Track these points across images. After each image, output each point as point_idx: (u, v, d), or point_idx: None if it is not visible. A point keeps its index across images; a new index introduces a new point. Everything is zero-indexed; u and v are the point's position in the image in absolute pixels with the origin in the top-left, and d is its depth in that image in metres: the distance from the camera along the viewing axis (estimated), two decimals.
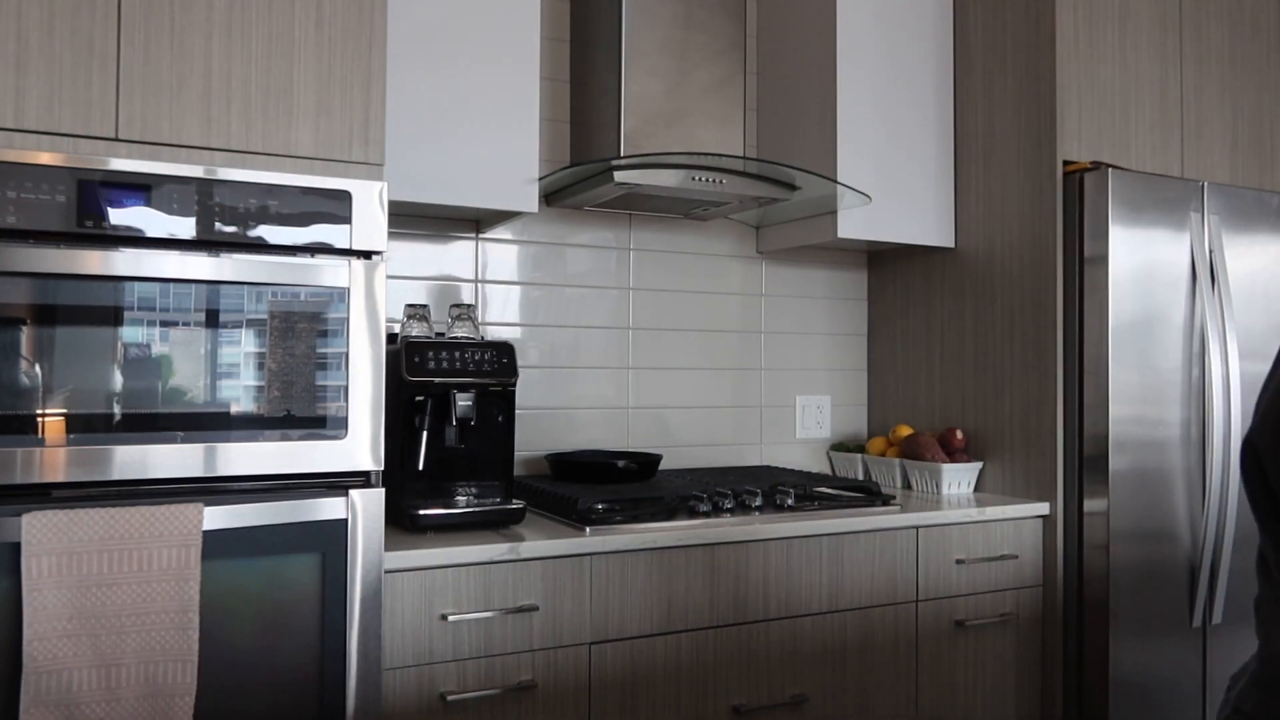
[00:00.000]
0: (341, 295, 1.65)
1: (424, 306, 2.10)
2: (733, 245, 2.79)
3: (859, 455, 2.79)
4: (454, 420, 1.96)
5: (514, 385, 2.03)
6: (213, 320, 1.57)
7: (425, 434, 1.97)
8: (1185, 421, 2.37)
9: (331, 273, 1.65)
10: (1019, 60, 2.48)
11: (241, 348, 1.59)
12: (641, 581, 1.94)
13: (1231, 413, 2.38)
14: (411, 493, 2.00)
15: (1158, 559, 2.31)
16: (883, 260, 2.93)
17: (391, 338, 2.06)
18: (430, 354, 1.94)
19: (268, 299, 1.60)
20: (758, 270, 2.83)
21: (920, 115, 2.62)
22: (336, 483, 1.66)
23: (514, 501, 1.99)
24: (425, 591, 1.76)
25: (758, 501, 2.15)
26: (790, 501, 2.18)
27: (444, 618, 1.77)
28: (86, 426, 1.48)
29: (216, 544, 1.54)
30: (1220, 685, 2.38)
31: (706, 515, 2.09)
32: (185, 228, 1.55)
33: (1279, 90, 2.79)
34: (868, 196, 2.41)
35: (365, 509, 1.66)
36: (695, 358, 2.73)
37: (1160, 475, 2.33)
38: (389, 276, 2.34)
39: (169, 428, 1.54)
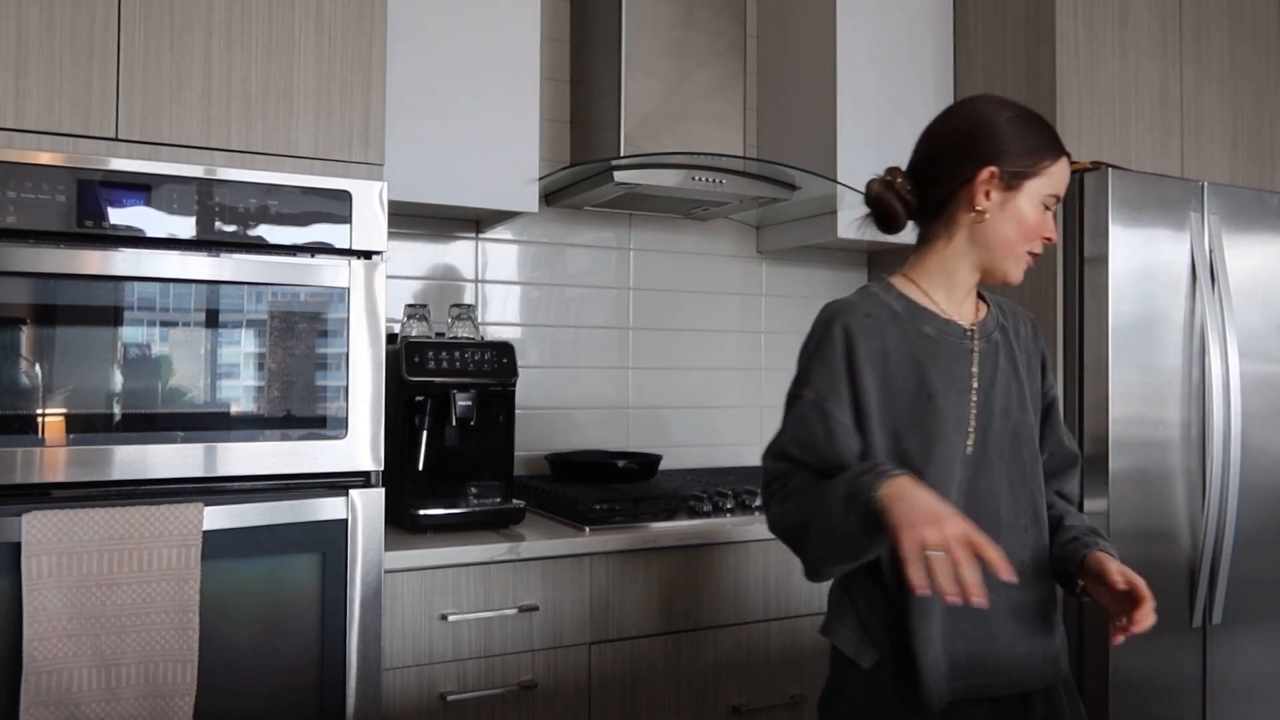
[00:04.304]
0: (341, 295, 1.65)
1: (424, 306, 2.10)
2: (733, 245, 2.79)
3: None
4: (454, 420, 1.96)
5: (514, 385, 2.03)
6: (213, 320, 1.57)
7: (425, 434, 1.97)
8: (1185, 421, 2.37)
9: (331, 273, 1.65)
10: (1019, 60, 2.48)
11: (241, 348, 1.59)
12: (641, 581, 1.94)
13: (1231, 413, 2.38)
14: (411, 493, 2.00)
15: (1158, 559, 2.31)
16: (883, 260, 2.92)
17: (391, 338, 2.06)
18: (430, 354, 1.94)
19: (268, 299, 1.60)
20: (758, 270, 2.83)
21: (921, 115, 2.60)
22: (336, 483, 1.66)
23: (514, 501, 1.99)
24: (425, 591, 1.76)
25: (757, 502, 2.15)
26: None
27: (444, 618, 1.77)
28: (86, 426, 1.48)
29: (216, 544, 1.54)
30: (1221, 685, 2.39)
31: (706, 515, 2.09)
32: (185, 227, 1.55)
33: (1279, 90, 2.78)
34: None
35: (365, 509, 1.66)
36: (695, 358, 2.73)
37: (1160, 475, 2.33)
38: (389, 276, 2.34)
39: (169, 428, 1.54)
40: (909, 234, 2.63)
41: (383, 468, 1.69)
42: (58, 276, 1.47)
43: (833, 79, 2.50)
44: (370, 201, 1.68)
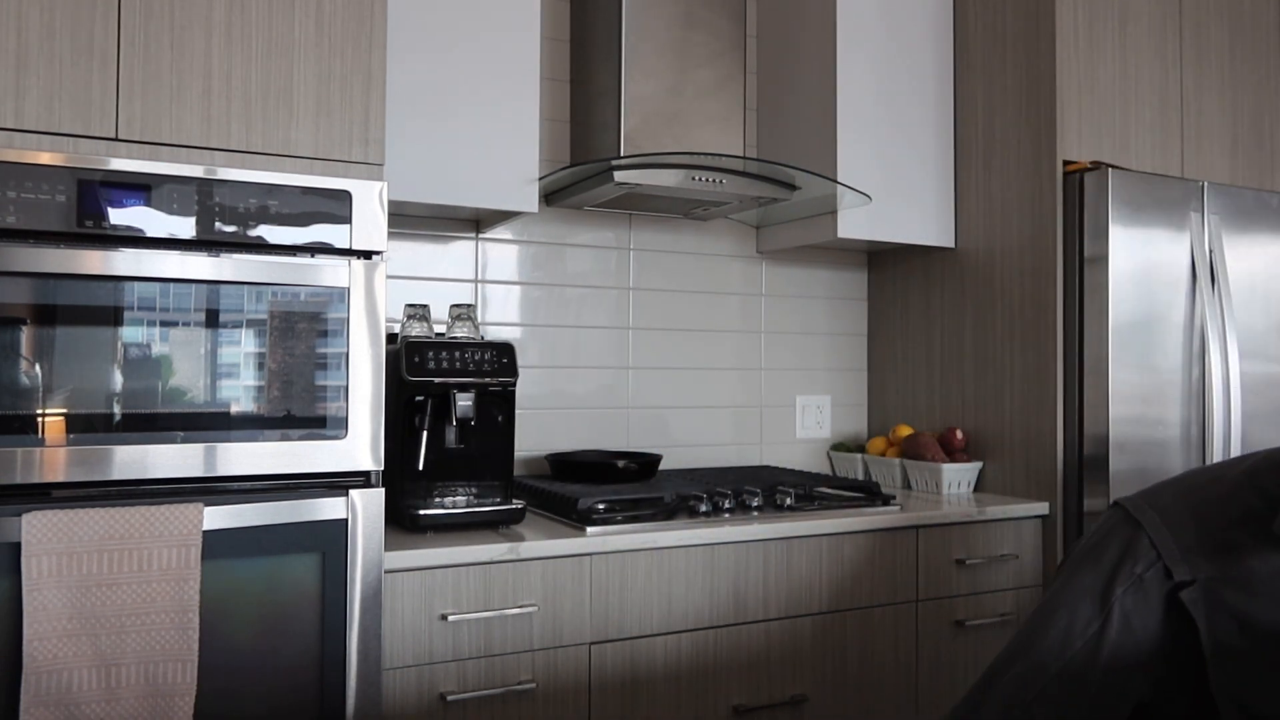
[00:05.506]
0: (341, 295, 1.65)
1: (424, 306, 2.10)
2: (733, 245, 2.79)
3: (859, 455, 2.79)
4: (454, 420, 1.96)
5: (514, 385, 2.03)
6: (213, 320, 1.57)
7: (425, 434, 1.97)
8: (1185, 421, 2.37)
9: (331, 273, 1.65)
10: (1019, 60, 2.48)
11: (241, 348, 1.59)
12: (641, 581, 1.94)
13: (1231, 413, 2.38)
14: (411, 493, 2.00)
15: None
16: (883, 260, 2.93)
17: (391, 338, 2.06)
18: (430, 354, 1.94)
19: (268, 299, 1.60)
20: (758, 270, 2.83)
21: (920, 115, 2.62)
22: (336, 483, 1.66)
23: (514, 501, 1.99)
24: (425, 591, 1.76)
25: (757, 501, 2.15)
26: (790, 501, 2.18)
27: (444, 618, 1.77)
28: (86, 426, 1.48)
29: (216, 544, 1.54)
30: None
31: (706, 515, 2.09)
32: (185, 227, 1.55)
33: (1279, 90, 2.79)
34: (868, 196, 2.41)
35: (365, 509, 1.66)
36: (695, 358, 2.73)
37: (1160, 475, 2.32)
38: (389, 276, 2.34)
39: (169, 428, 1.54)
40: (907, 234, 2.63)
41: (383, 468, 1.69)
42: (58, 276, 1.47)
43: (833, 79, 2.50)
44: (370, 201, 1.68)
